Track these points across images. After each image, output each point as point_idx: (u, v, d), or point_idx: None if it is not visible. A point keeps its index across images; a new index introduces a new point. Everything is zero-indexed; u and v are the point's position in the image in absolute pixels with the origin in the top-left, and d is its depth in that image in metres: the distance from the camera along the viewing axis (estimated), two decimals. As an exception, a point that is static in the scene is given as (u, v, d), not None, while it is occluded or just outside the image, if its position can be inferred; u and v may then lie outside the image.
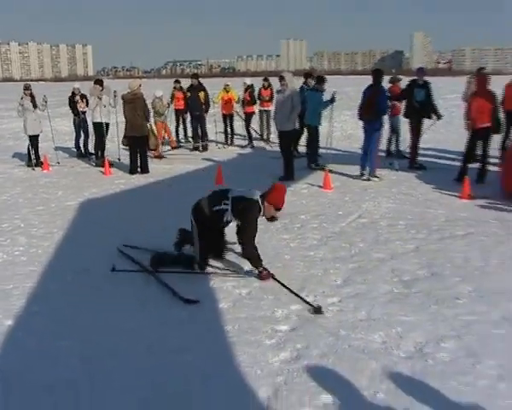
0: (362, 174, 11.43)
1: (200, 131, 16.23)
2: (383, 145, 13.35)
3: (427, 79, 12.52)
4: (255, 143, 17.07)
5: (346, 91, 28.81)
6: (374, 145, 11.27)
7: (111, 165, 13.14)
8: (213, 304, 5.46)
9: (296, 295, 5.58)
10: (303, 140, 13.91)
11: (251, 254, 6.01)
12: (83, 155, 15.17)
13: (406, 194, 9.98)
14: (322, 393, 3.96)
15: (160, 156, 14.79)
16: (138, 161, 12.74)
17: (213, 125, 17.63)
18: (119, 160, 13.80)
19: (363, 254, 6.79)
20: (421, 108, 12.16)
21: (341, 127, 14.60)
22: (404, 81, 13.39)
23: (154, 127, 14.73)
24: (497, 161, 11.52)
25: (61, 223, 8.56)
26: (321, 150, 13.32)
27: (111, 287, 5.97)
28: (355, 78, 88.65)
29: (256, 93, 17.11)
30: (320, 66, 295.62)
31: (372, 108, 11.04)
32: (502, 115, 11.75)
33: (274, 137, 15.16)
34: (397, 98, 12.91)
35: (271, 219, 6.24)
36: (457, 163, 11.49)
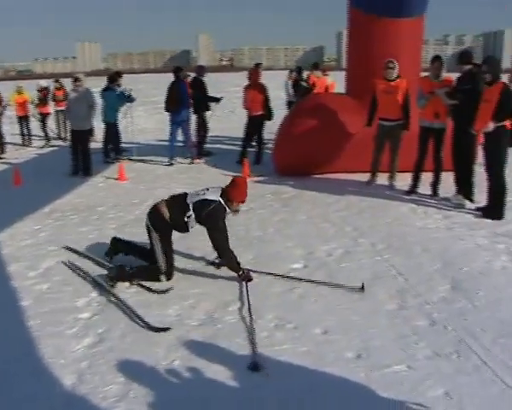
0: (171, 163, 11.64)
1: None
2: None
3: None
4: (53, 142, 16.20)
5: (140, 89, 28.42)
6: (188, 134, 11.90)
7: None
8: (15, 304, 5.07)
9: None
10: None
11: (230, 262, 5.35)
12: None
13: (195, 178, 10.14)
14: (124, 370, 3.92)
15: None
16: None
17: (10, 128, 16.39)
18: None
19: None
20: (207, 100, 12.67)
21: (135, 122, 14.46)
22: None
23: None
24: (270, 144, 12.21)
25: None
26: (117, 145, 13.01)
27: None
28: (147, 76, 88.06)
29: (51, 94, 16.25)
30: (114, 66, 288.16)
31: (176, 100, 11.49)
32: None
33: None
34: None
35: (235, 212, 5.51)
36: (239, 148, 11.93)
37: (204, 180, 9.96)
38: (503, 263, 5.88)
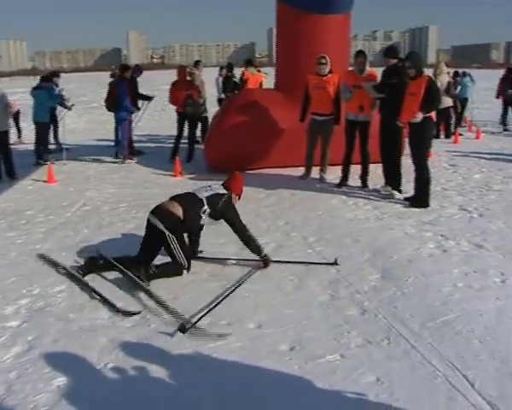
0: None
1: None
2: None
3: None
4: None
5: (70, 88, 27.69)
6: (122, 133, 11.64)
7: None
8: None
9: None
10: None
11: (256, 246, 5.55)
12: None
13: (126, 178, 10.01)
14: (56, 377, 3.78)
15: None
16: None
17: None
18: None
19: (88, 240, 6.61)
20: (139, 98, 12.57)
21: (64, 122, 14.10)
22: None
23: None
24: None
25: None
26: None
27: None
28: (77, 75, 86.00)
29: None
30: (42, 65, 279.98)
31: (115, 100, 11.54)
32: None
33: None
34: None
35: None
36: (170, 146, 11.84)
37: (136, 180, 9.87)
38: (430, 250, 6.10)
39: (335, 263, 5.64)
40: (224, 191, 5.58)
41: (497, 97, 17.24)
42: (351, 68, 9.19)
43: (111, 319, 4.62)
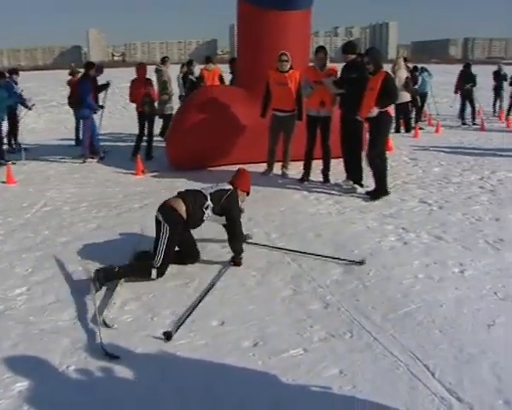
0: (84, 161, 11.34)
1: None
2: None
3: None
4: None
5: (28, 87, 27.20)
6: (84, 131, 11.57)
7: None
8: None
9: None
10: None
11: (240, 247, 5.63)
12: None
13: (87, 177, 9.85)
14: (16, 382, 3.68)
15: None
16: None
17: None
18: None
19: (49, 241, 6.49)
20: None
21: (24, 122, 13.81)
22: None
23: None
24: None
25: None
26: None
27: None
28: (36, 73, 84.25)
29: None
30: (0, 63, 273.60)
31: (77, 97, 11.53)
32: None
33: None
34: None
35: (242, 202, 5.84)
36: (131, 144, 11.74)
37: (97, 179, 9.73)
38: (391, 243, 6.18)
39: (362, 262, 5.56)
40: (229, 187, 5.61)
41: (456, 92, 17.59)
42: (311, 64, 9.24)
43: (73, 320, 4.54)
